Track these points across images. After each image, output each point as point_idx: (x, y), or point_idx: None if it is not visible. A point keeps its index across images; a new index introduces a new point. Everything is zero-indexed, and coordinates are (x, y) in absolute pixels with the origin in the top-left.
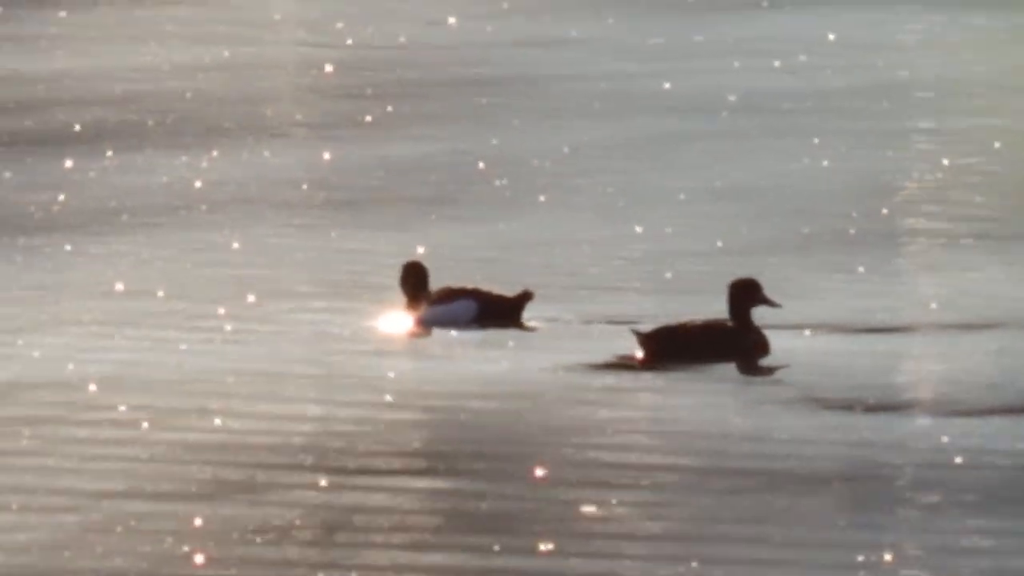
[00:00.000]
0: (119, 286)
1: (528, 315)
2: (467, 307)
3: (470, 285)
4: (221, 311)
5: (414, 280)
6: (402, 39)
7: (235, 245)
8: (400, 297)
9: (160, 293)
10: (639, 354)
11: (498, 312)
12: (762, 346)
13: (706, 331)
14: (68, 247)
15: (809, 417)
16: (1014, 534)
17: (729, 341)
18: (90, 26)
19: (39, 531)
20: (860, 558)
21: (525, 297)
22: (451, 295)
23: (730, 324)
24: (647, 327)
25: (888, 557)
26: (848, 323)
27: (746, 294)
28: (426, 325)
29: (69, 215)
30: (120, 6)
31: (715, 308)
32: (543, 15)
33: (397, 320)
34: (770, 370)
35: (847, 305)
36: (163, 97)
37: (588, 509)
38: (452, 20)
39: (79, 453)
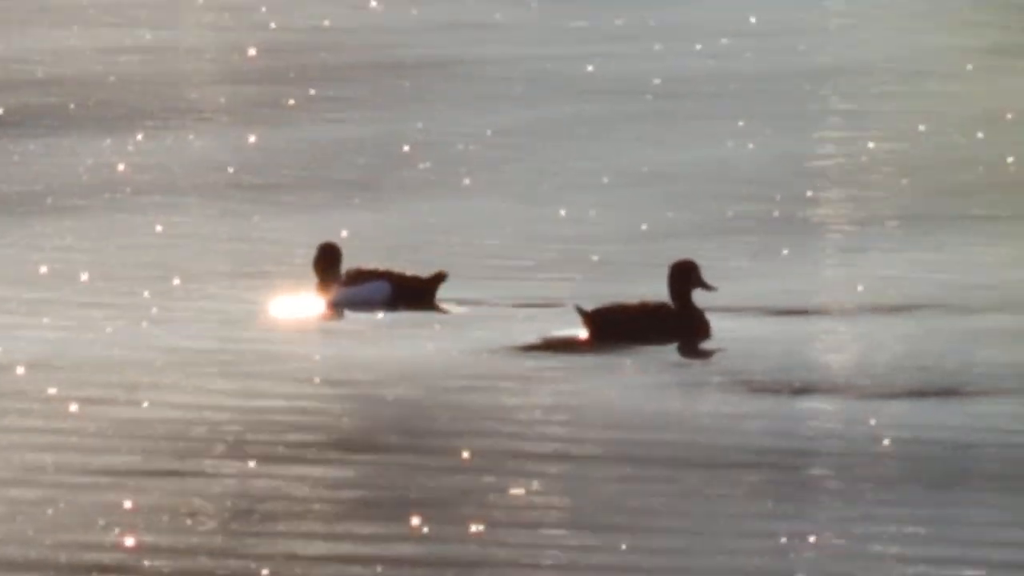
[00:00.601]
0: (43, 269)
1: (450, 297)
2: (380, 288)
3: (382, 266)
4: (146, 294)
5: (326, 262)
6: (326, 23)
7: (158, 228)
8: (314, 279)
9: (84, 276)
10: (581, 332)
11: (411, 293)
12: (703, 328)
13: (649, 311)
14: None
15: (736, 399)
16: (939, 517)
17: (671, 322)
18: (10, 9)
19: None
20: (784, 540)
21: (439, 278)
22: (363, 276)
23: (671, 305)
24: (589, 305)
25: (812, 539)
26: (772, 306)
27: (686, 276)
28: (339, 307)
29: None
30: None
31: (639, 291)
32: None
33: (312, 302)
34: (696, 353)
35: (771, 288)
36: (86, 80)
37: (516, 491)
38: (375, 4)
39: (7, 437)
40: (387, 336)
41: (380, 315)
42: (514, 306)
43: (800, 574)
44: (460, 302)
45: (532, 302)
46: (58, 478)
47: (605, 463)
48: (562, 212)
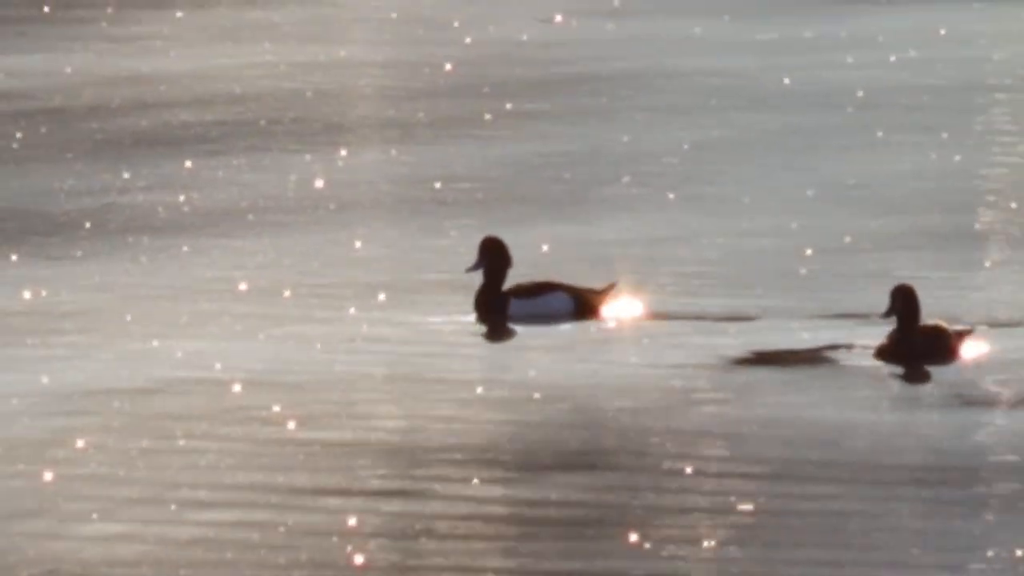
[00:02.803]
0: (244, 286)
1: (654, 310)
2: (563, 300)
3: (555, 278)
4: (352, 311)
5: (492, 257)
6: (524, 37)
7: (357, 244)
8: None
9: (287, 293)
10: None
11: (589, 305)
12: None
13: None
14: (189, 248)
15: (949, 414)
16: None
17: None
18: (205, 26)
19: (199, 529)
20: (994, 553)
21: (610, 289)
22: (537, 289)
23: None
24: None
25: (1020, 553)
26: (977, 318)
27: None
28: (520, 319)
29: (192, 215)
30: (234, 6)
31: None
32: (656, 13)
33: (492, 311)
34: (905, 367)
35: (974, 300)
36: (282, 96)
37: (744, 507)
38: (568, 19)
39: (234, 452)
40: (593, 349)
41: (578, 327)
42: (722, 319)
43: None
44: (664, 316)
45: (739, 315)
46: (287, 496)
47: (825, 478)
48: (766, 225)
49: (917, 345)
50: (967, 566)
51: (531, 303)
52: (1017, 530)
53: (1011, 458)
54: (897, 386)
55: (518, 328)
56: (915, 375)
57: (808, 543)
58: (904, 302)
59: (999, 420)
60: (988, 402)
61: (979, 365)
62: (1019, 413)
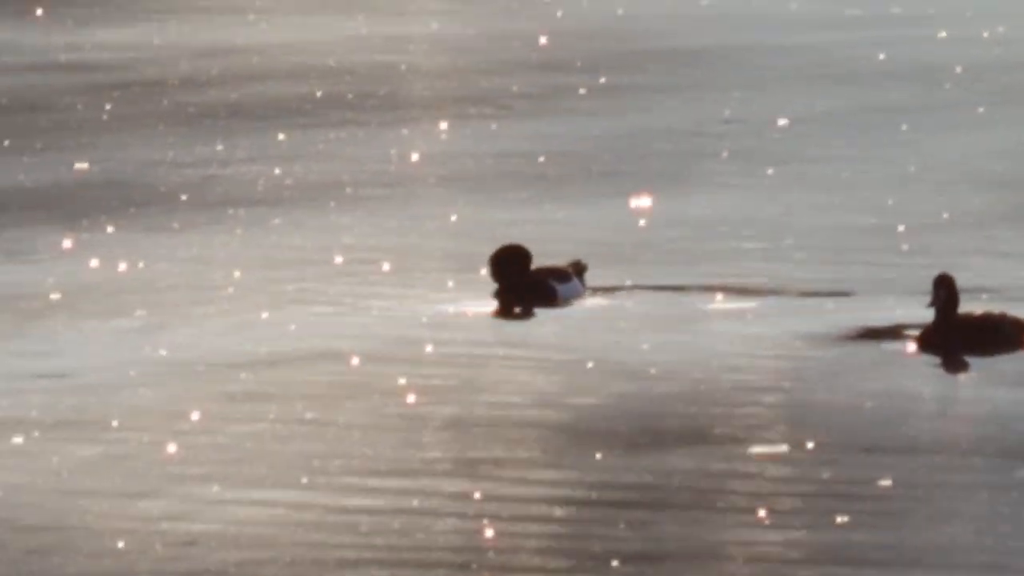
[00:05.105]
0: (340, 259)
1: (746, 286)
2: (578, 285)
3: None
4: (450, 284)
5: (503, 266)
6: (618, 11)
7: (454, 218)
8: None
9: (386, 267)
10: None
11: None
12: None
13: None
14: (286, 220)
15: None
16: None
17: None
18: (296, 0)
19: (332, 499)
20: None
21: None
22: (556, 274)
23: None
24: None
25: None
26: None
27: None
28: (567, 301)
29: (289, 188)
30: None
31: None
32: None
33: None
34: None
35: None
36: (377, 69)
37: (884, 483)
38: None
39: (361, 425)
40: (693, 325)
41: (679, 302)
42: (819, 295)
43: None
44: (762, 291)
45: (836, 291)
46: (416, 469)
47: (926, 453)
48: (864, 201)
49: (958, 333)
50: None
51: (571, 287)
52: None
53: None
54: (990, 364)
55: (625, 304)
56: (995, 355)
57: (922, 519)
58: (947, 291)
59: None
60: None
61: None
62: None
